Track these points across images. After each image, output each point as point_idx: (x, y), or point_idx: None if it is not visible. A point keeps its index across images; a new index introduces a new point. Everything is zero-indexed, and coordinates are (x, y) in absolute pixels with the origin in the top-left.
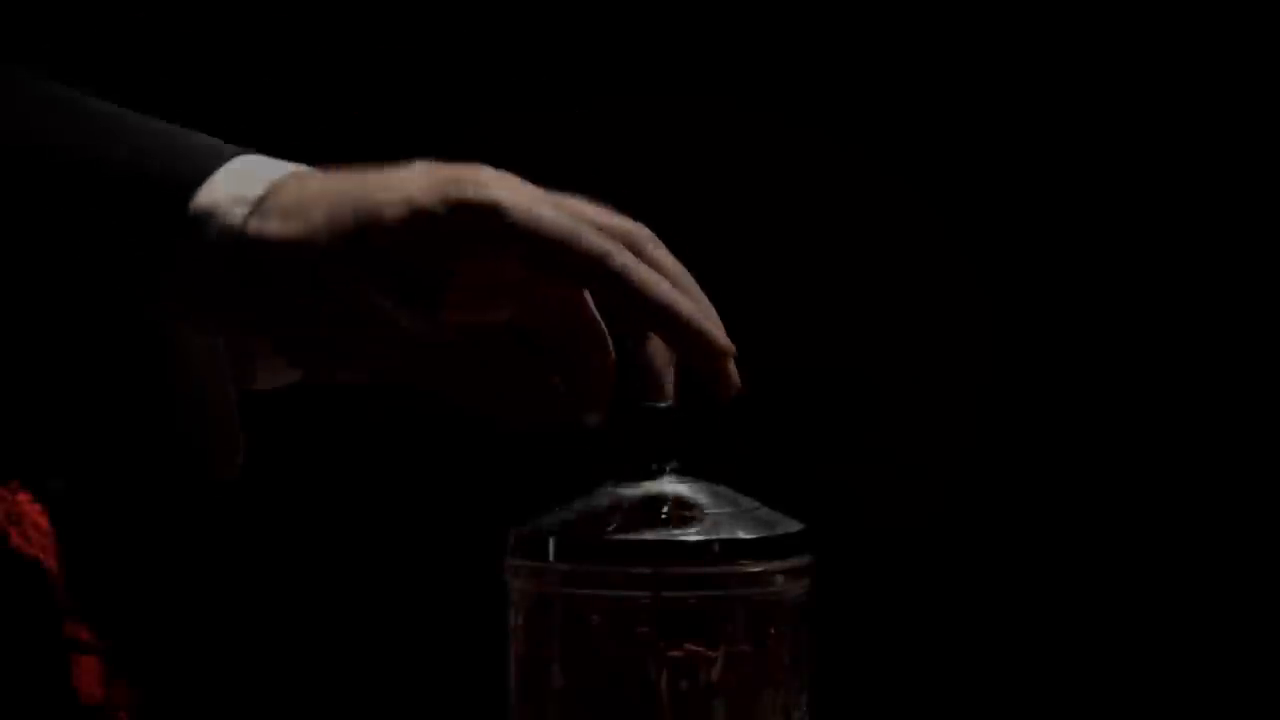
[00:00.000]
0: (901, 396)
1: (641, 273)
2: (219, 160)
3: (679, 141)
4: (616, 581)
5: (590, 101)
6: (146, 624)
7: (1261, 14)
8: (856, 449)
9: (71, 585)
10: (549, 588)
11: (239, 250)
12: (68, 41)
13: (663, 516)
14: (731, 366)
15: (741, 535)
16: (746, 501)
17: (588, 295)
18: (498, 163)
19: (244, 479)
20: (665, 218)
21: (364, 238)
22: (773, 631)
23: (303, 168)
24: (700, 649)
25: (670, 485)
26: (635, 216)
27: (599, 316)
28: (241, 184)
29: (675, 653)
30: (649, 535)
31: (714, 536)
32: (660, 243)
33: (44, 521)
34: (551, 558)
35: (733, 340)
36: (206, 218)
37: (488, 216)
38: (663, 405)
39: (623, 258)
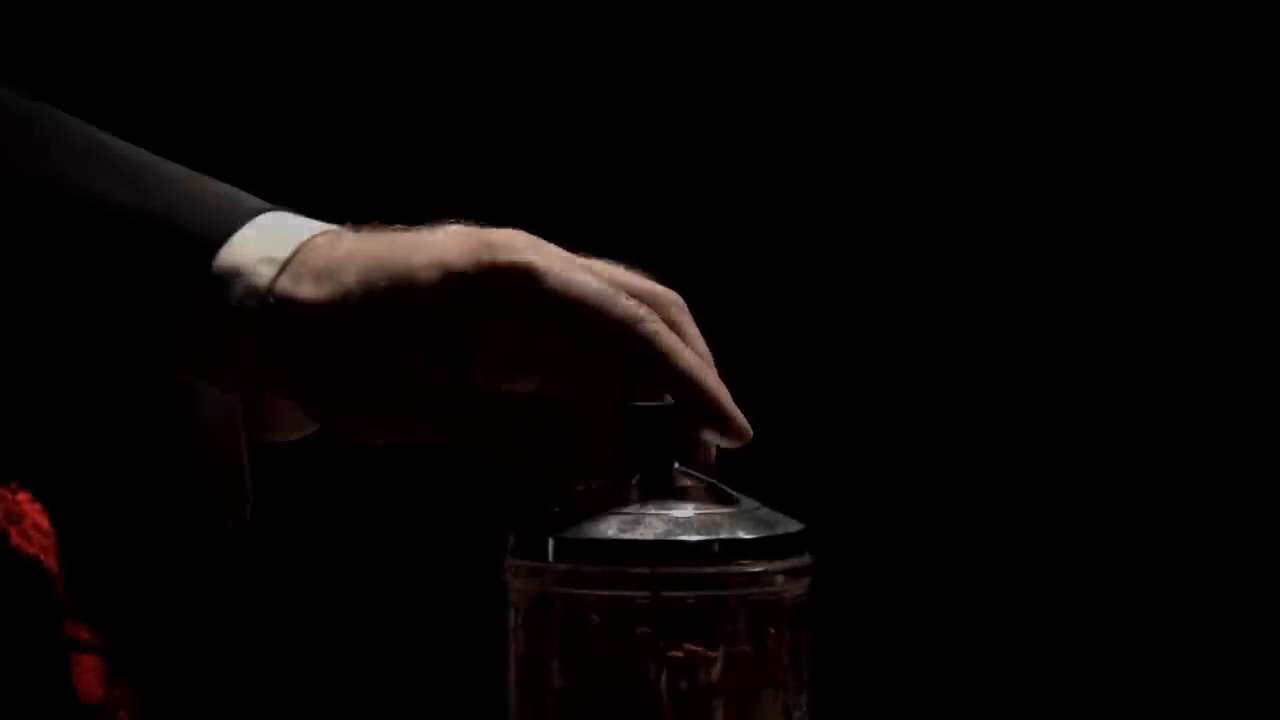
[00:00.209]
0: (901, 397)
1: (670, 341)
2: (245, 216)
3: (679, 142)
4: (616, 581)
5: (590, 102)
6: (146, 624)
7: (1261, 14)
8: (856, 449)
9: (71, 585)
10: (549, 588)
11: (266, 311)
12: (71, 52)
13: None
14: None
15: (741, 535)
16: (747, 501)
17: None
18: (498, 162)
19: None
20: (666, 218)
21: (397, 300)
22: (773, 631)
23: (331, 226)
24: (700, 649)
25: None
26: (635, 216)
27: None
28: (268, 243)
29: (675, 653)
30: (648, 535)
31: (714, 537)
32: (686, 309)
33: (44, 521)
34: (551, 558)
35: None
36: (232, 277)
37: (521, 280)
38: (663, 405)
39: (654, 325)
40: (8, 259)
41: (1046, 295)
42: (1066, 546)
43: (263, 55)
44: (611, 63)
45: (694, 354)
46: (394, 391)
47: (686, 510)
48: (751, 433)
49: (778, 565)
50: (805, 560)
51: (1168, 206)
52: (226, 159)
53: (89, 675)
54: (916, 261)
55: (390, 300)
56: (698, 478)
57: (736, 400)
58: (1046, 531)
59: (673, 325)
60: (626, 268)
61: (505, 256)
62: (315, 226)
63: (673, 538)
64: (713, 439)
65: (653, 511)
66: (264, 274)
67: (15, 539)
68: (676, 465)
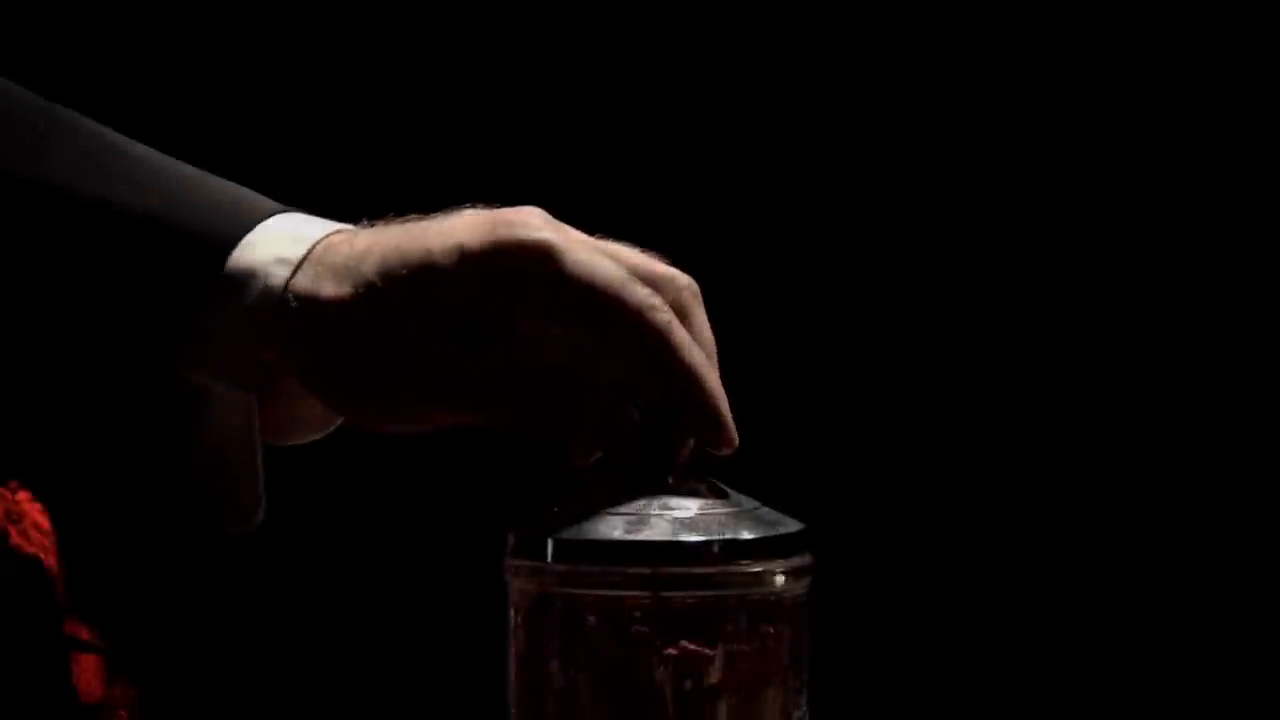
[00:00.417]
0: (901, 397)
1: (679, 336)
2: (257, 217)
3: (680, 141)
4: (616, 582)
5: (590, 102)
6: (146, 624)
7: (1261, 14)
8: (856, 449)
9: (71, 584)
10: (549, 588)
11: (285, 311)
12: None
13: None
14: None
15: (742, 535)
16: (747, 501)
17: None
18: (499, 162)
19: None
20: (666, 218)
21: (417, 287)
22: (772, 631)
23: (344, 226)
24: (699, 648)
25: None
26: (636, 217)
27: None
28: (282, 244)
29: (673, 651)
30: (649, 536)
31: (714, 537)
32: (699, 294)
33: (44, 521)
34: (550, 559)
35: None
36: (246, 278)
37: (539, 260)
38: (669, 401)
39: (665, 315)
40: (19, 260)
41: (1046, 294)
42: (1066, 546)
43: (272, 58)
44: (611, 64)
45: (700, 352)
46: (420, 379)
47: (687, 510)
48: (738, 443)
49: (778, 565)
50: (805, 560)
51: (1168, 206)
52: (237, 165)
53: (89, 675)
54: (916, 262)
55: (410, 288)
56: (698, 477)
57: (733, 403)
58: (1047, 531)
59: (683, 310)
60: (641, 250)
61: (522, 234)
62: (328, 226)
63: (673, 538)
64: (701, 441)
65: (653, 511)
66: (279, 275)
67: (15, 539)
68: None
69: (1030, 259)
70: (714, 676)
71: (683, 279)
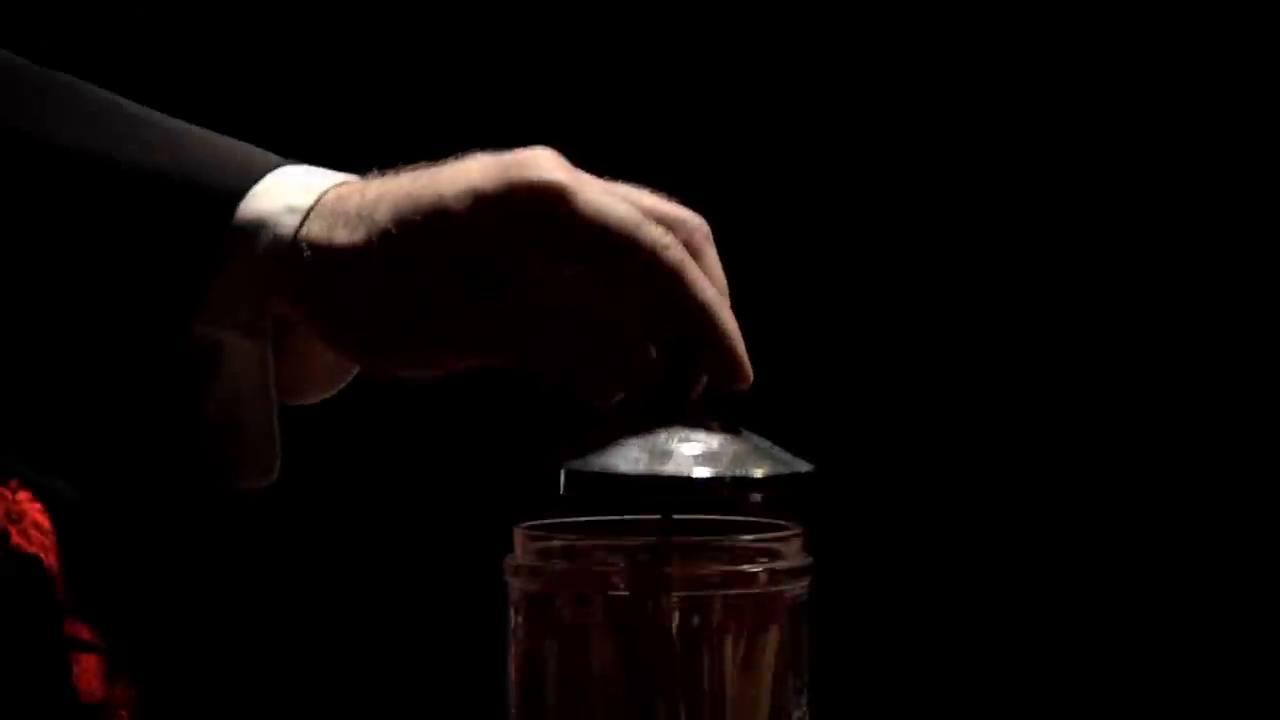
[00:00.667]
0: (901, 396)
1: (692, 274)
2: (265, 169)
3: (680, 141)
4: (626, 515)
5: (590, 102)
6: (146, 623)
7: (1261, 14)
8: (856, 449)
9: (72, 584)
10: (558, 545)
11: (298, 260)
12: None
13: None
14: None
15: (753, 472)
16: (759, 440)
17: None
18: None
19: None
20: None
21: (432, 231)
22: (778, 571)
23: (351, 176)
24: (708, 586)
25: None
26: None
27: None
28: (291, 193)
29: (682, 591)
30: (661, 470)
31: (726, 472)
32: (710, 236)
33: (44, 521)
34: (563, 490)
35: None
36: (257, 228)
37: (553, 201)
38: (681, 339)
39: (678, 254)
40: (31, 220)
41: (1046, 294)
42: (1066, 546)
43: (266, 55)
44: (611, 63)
45: (712, 290)
46: (434, 323)
47: (699, 446)
48: (753, 378)
49: (787, 504)
50: (806, 560)
51: (1167, 204)
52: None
53: (89, 675)
54: (916, 261)
55: (425, 232)
56: (711, 415)
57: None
58: (1046, 531)
59: (695, 250)
60: (651, 192)
61: (534, 175)
62: (336, 177)
63: (685, 473)
64: (716, 377)
65: (666, 447)
66: (288, 223)
67: (15, 539)
68: (689, 402)
69: (1030, 259)
70: (721, 615)
71: (695, 219)
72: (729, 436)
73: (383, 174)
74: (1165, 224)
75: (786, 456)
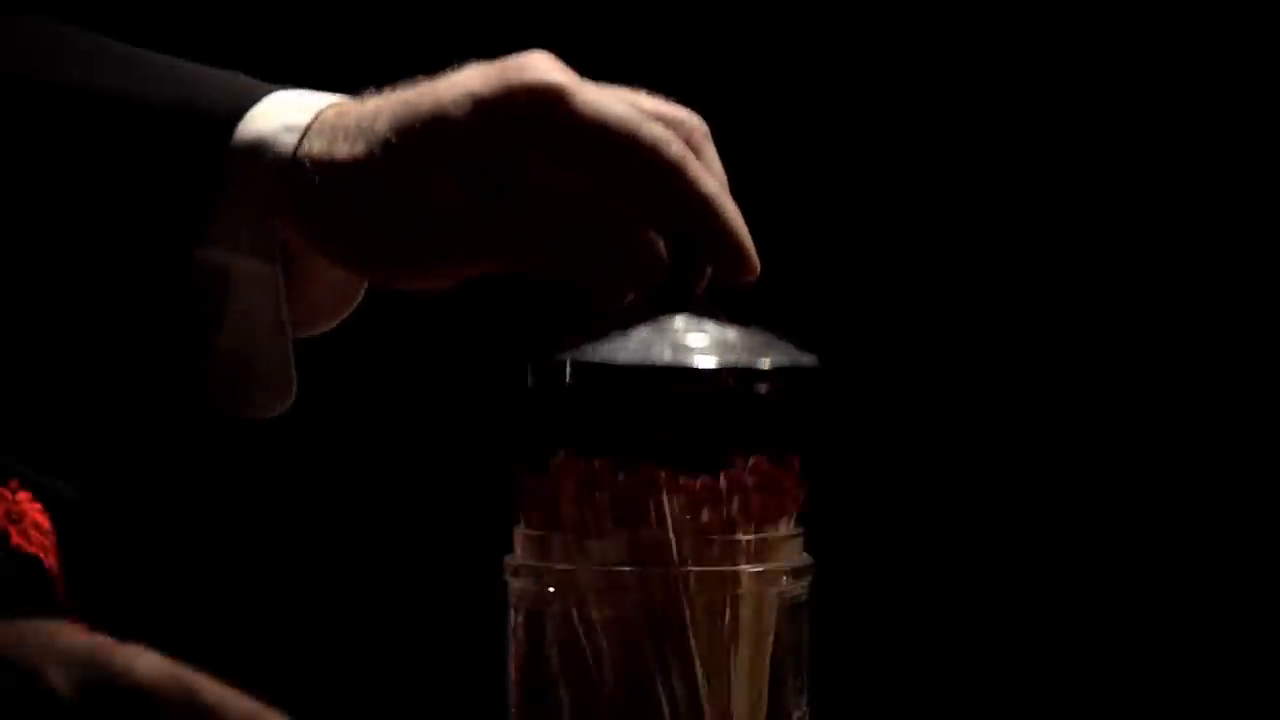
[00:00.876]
0: (901, 396)
1: (694, 168)
2: (257, 93)
3: None
4: (631, 406)
5: None
6: (146, 623)
7: (1261, 14)
8: (856, 449)
9: (72, 584)
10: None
11: (300, 176)
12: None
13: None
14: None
15: (759, 363)
16: (764, 334)
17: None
18: None
19: (244, 478)
20: None
21: (432, 139)
22: (786, 465)
23: (346, 98)
24: (714, 479)
25: (687, 315)
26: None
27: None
28: (287, 112)
29: (690, 481)
30: (664, 359)
31: (730, 363)
32: (709, 135)
33: (44, 521)
34: (569, 379)
35: None
36: (256, 149)
37: (552, 103)
38: (683, 234)
39: (679, 149)
40: (27, 159)
41: (1046, 294)
42: (1066, 546)
43: (260, 44)
44: (611, 63)
45: (715, 183)
46: (440, 231)
47: (702, 338)
48: (759, 268)
49: (793, 396)
50: (806, 560)
51: (1167, 204)
52: None
53: None
54: (916, 261)
55: (425, 139)
56: (715, 309)
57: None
58: (1046, 531)
59: (695, 149)
60: (649, 93)
61: (533, 77)
62: (332, 97)
63: (689, 363)
64: (722, 268)
65: (670, 339)
66: (287, 141)
67: (15, 539)
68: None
69: (1030, 259)
70: (729, 508)
71: (693, 119)
72: (734, 329)
73: (379, 91)
74: (1165, 224)
75: (792, 350)
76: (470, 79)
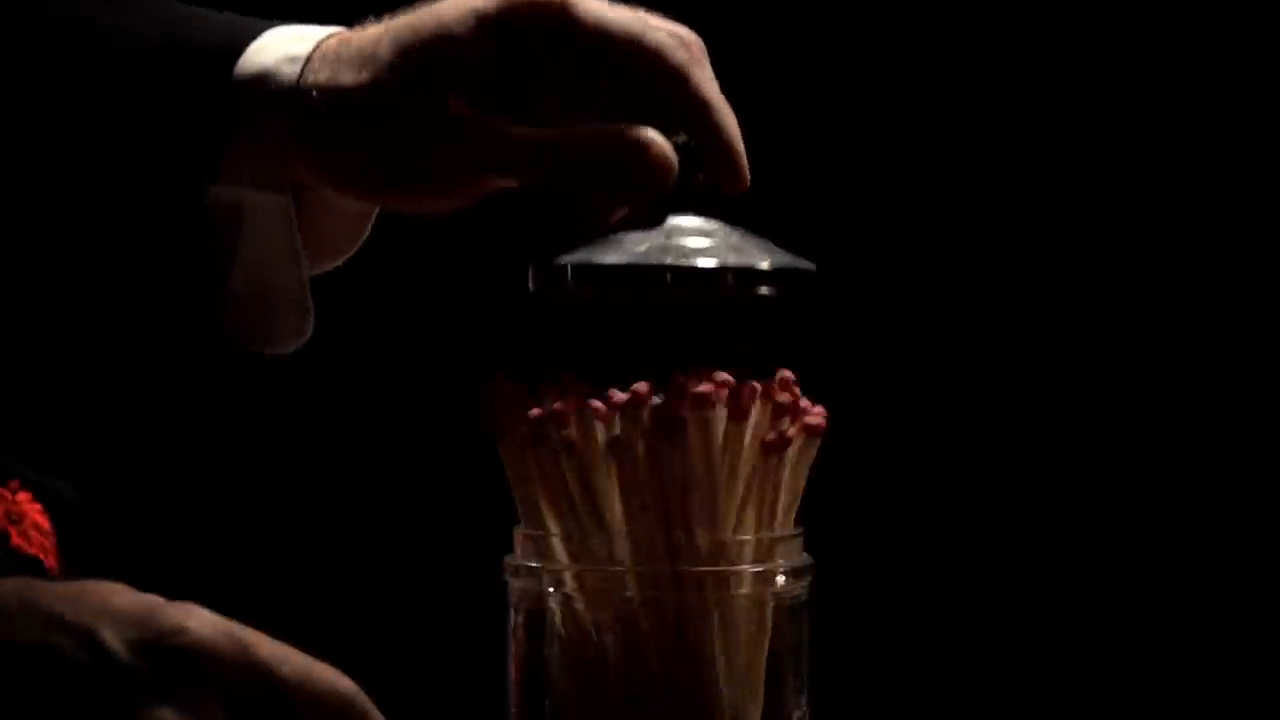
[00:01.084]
0: (901, 396)
1: (698, 74)
2: (255, 28)
3: None
4: (633, 302)
5: None
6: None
7: (1261, 14)
8: (856, 448)
9: None
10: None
11: (305, 105)
12: None
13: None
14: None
15: (758, 264)
16: (761, 239)
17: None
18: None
19: (244, 479)
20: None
21: (437, 58)
22: (783, 377)
23: (344, 29)
24: (717, 381)
25: (685, 219)
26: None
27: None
28: (287, 45)
29: (701, 388)
30: (665, 260)
31: (729, 263)
32: (706, 53)
33: (44, 521)
34: (570, 280)
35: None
36: (259, 81)
37: (554, 14)
38: (678, 140)
39: (683, 54)
40: (33, 111)
41: (1047, 295)
42: (1065, 546)
43: None
44: None
45: (716, 91)
46: (447, 150)
47: (701, 241)
48: (749, 182)
49: (789, 296)
50: (805, 561)
51: (1168, 204)
52: None
53: None
54: (916, 261)
55: (431, 60)
56: (711, 214)
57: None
58: (1046, 531)
59: (693, 63)
60: (647, 11)
61: None
62: (331, 29)
63: (689, 263)
64: (715, 173)
65: (670, 241)
66: (289, 72)
67: (15, 539)
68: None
69: (1030, 259)
70: (733, 406)
71: (690, 35)
72: (732, 232)
73: (379, 20)
74: (1165, 225)
75: (791, 256)
76: None
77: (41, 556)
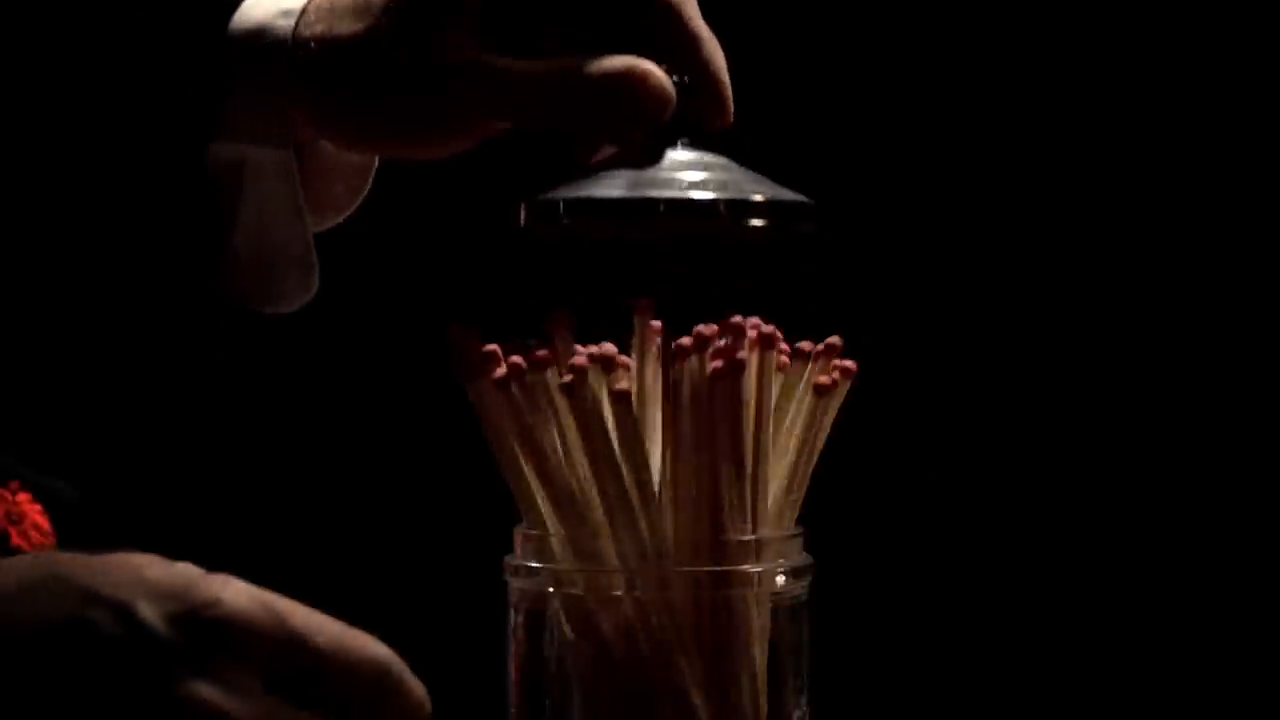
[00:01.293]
0: (900, 396)
1: (690, 10)
2: None
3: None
4: (626, 234)
5: None
6: None
7: (1261, 14)
8: (856, 448)
9: None
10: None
11: (304, 56)
12: None
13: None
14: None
15: (751, 196)
16: (753, 173)
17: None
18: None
19: (245, 479)
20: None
21: (431, 3)
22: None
23: None
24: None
25: (680, 153)
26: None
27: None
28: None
29: (709, 332)
30: (658, 194)
31: (722, 196)
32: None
33: (44, 522)
34: (563, 216)
35: None
36: (255, 35)
37: None
38: (674, 79)
39: None
40: (32, 67)
41: (1046, 294)
42: (1065, 546)
43: None
44: None
45: (706, 28)
46: (449, 94)
47: (694, 174)
48: (732, 118)
49: (784, 230)
50: (805, 560)
51: (1168, 204)
52: None
53: None
54: (916, 260)
55: (424, 4)
56: (702, 148)
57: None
58: (1046, 531)
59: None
60: None
61: None
62: None
63: (683, 195)
64: (702, 106)
65: (661, 175)
66: (284, 25)
67: (15, 540)
68: (686, 139)
69: (1030, 259)
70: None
71: None
72: (725, 164)
73: None
74: (1165, 224)
75: (787, 190)
76: None
77: None
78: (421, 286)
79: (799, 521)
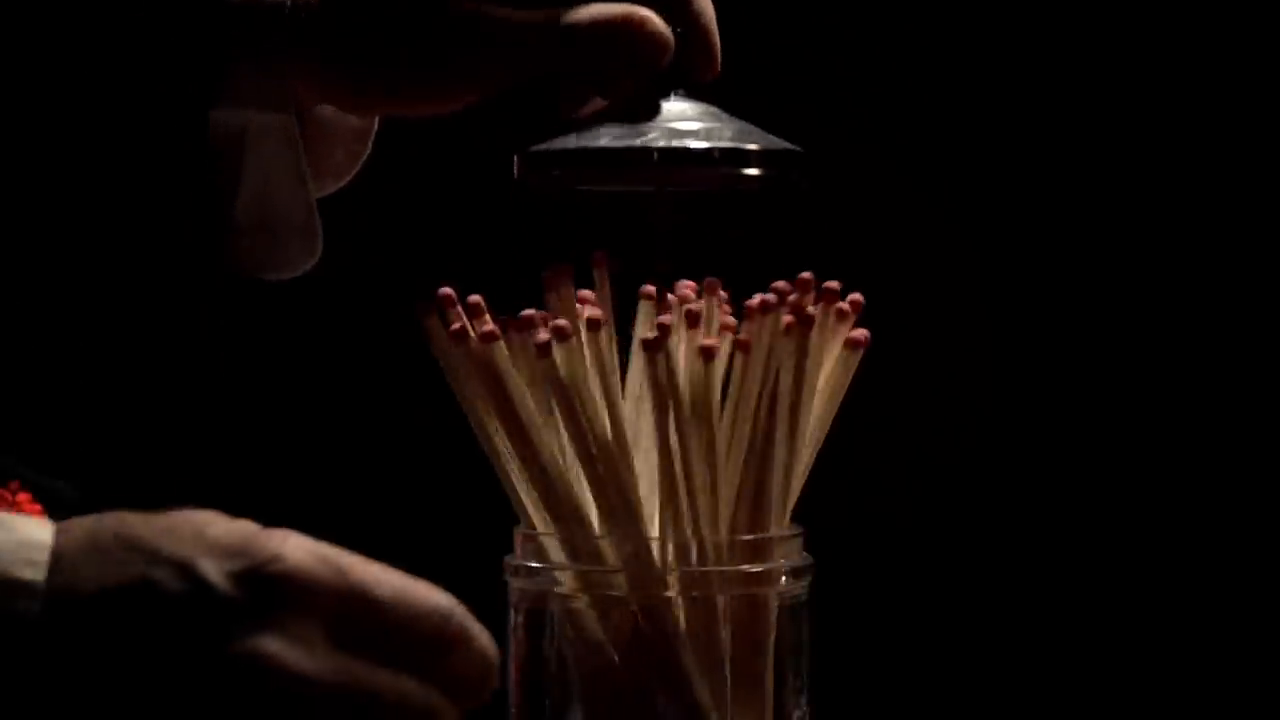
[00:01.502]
0: (900, 396)
1: None
2: None
3: None
4: (623, 180)
5: None
6: None
7: (1261, 14)
8: (855, 449)
9: None
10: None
11: (303, 20)
12: None
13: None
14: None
15: (745, 145)
16: (746, 123)
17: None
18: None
19: (244, 475)
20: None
21: None
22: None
23: None
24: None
25: (675, 104)
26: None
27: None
28: None
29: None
30: (655, 142)
31: (716, 144)
32: None
33: None
34: (557, 170)
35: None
36: (251, 2)
37: None
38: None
39: None
40: (32, 38)
41: (1046, 293)
42: (1065, 546)
43: None
44: None
45: None
46: (449, 50)
47: (691, 124)
48: (719, 70)
49: (779, 178)
50: (806, 560)
51: (1168, 204)
52: None
53: None
54: (916, 261)
55: None
56: (698, 102)
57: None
58: (1046, 531)
59: None
60: None
61: None
62: None
63: (678, 145)
64: (690, 57)
65: (657, 124)
66: None
67: None
68: (681, 90)
69: (1030, 259)
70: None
71: None
72: (717, 114)
73: None
74: (1165, 224)
75: (776, 139)
76: None
77: None
78: (420, 262)
79: (799, 521)
